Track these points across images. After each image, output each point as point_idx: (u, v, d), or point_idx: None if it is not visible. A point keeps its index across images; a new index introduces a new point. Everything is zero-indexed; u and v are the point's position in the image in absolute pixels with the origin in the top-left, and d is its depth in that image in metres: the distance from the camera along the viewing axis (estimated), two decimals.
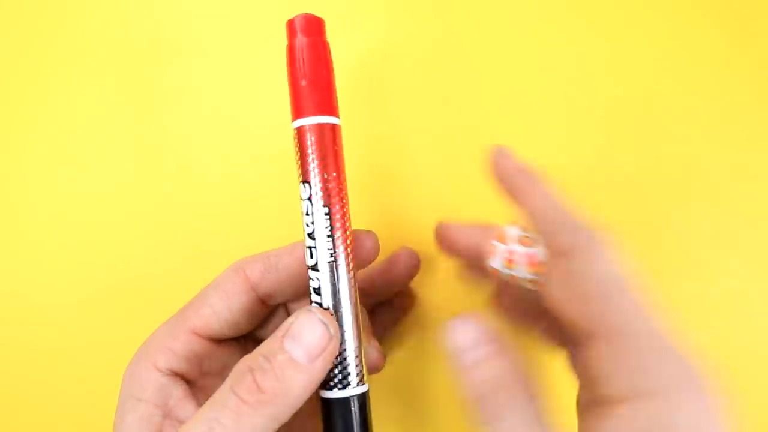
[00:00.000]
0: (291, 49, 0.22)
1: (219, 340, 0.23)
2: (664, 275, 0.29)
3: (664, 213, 0.29)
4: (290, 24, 0.22)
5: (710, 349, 0.27)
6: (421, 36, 0.30)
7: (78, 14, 0.32)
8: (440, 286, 0.29)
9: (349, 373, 0.21)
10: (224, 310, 0.22)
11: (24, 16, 0.33)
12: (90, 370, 0.31)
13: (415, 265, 0.27)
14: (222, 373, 0.23)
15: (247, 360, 0.19)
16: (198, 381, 0.22)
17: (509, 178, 0.22)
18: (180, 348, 0.21)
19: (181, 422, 0.21)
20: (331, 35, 0.22)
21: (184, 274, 0.29)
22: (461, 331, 0.19)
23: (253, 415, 0.18)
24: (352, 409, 0.21)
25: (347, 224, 0.21)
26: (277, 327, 0.25)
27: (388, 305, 0.28)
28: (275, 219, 0.30)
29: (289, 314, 0.25)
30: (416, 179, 0.30)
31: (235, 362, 0.24)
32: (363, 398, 0.21)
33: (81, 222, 0.31)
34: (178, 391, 0.21)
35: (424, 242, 0.28)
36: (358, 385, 0.21)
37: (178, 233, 0.31)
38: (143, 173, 0.31)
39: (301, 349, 0.19)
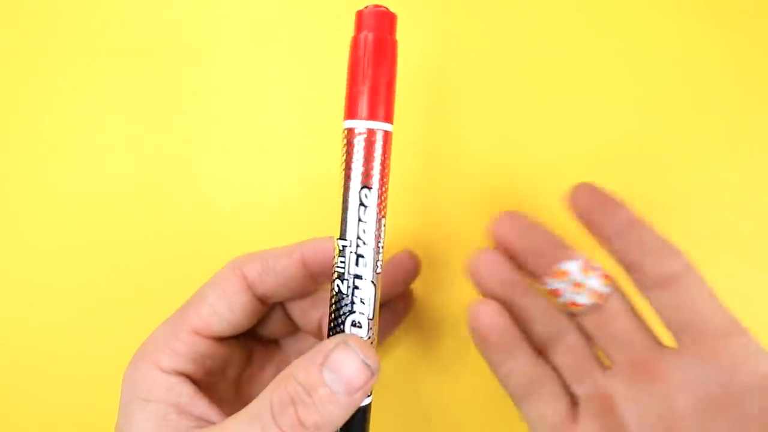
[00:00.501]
0: (379, 45, 0.20)
1: (220, 339, 0.23)
2: None
3: (663, 214, 0.29)
4: (361, 17, 0.20)
5: None
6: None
7: (78, 13, 0.30)
8: (441, 287, 0.30)
9: None
10: (224, 309, 0.22)
11: (24, 15, 0.31)
12: (90, 370, 0.30)
13: (415, 267, 0.27)
14: (224, 371, 0.24)
15: (287, 386, 0.19)
16: (202, 379, 0.22)
17: (590, 213, 0.23)
18: (182, 348, 0.22)
19: (197, 418, 0.21)
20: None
21: (185, 274, 0.28)
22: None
23: None
24: (355, 419, 0.20)
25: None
26: (276, 325, 0.25)
27: (387, 307, 0.27)
28: (277, 219, 0.30)
29: (286, 312, 0.25)
30: (425, 182, 0.30)
31: (236, 360, 0.24)
32: (365, 411, 0.21)
33: (80, 222, 0.30)
34: (187, 390, 0.21)
35: (428, 243, 0.28)
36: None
37: (178, 233, 0.30)
38: (143, 173, 0.30)
39: (341, 384, 0.19)
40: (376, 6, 0.20)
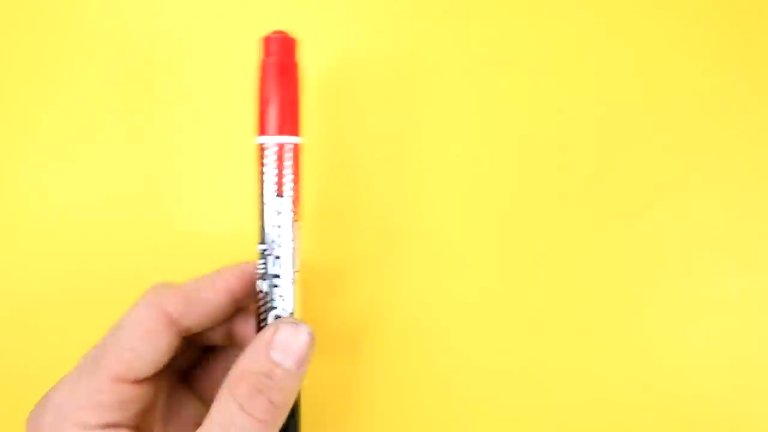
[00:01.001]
0: (282, 67, 0.22)
1: (143, 380, 0.22)
2: (662, 276, 0.30)
3: (662, 213, 0.30)
4: (265, 42, 0.22)
5: (708, 350, 0.30)
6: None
7: (79, 13, 0.31)
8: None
9: None
10: (148, 351, 0.21)
11: (24, 15, 0.31)
12: None
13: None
14: (150, 410, 0.23)
15: (248, 380, 0.20)
16: (132, 423, 0.21)
17: None
18: (107, 399, 0.20)
19: None
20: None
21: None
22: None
23: (271, 430, 0.20)
24: None
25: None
26: (190, 352, 0.25)
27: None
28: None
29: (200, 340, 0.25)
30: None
31: (159, 395, 0.24)
32: None
33: (80, 224, 0.30)
34: None
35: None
36: None
37: (176, 235, 0.30)
38: (142, 175, 0.31)
39: (291, 359, 0.21)
40: (279, 32, 0.23)
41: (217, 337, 0.26)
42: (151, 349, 0.21)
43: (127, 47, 0.31)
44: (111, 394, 0.20)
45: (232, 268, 0.24)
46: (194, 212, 0.31)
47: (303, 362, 0.21)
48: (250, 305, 0.25)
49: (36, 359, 0.30)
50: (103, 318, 0.29)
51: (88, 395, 0.20)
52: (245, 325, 0.25)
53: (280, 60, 0.22)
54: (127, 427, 0.21)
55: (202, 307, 0.23)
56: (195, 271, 0.24)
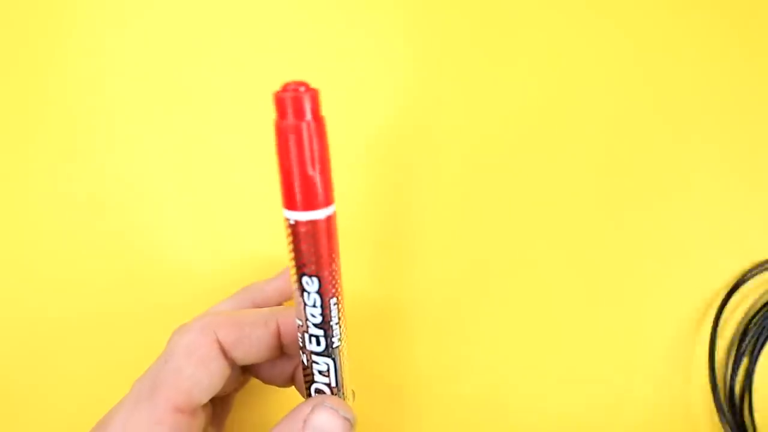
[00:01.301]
0: (296, 133, 0.18)
1: (195, 409, 0.21)
2: (662, 272, 0.30)
3: (661, 211, 0.30)
4: (281, 102, 0.18)
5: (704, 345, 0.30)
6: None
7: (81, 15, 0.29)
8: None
9: None
10: (204, 379, 0.21)
11: (26, 15, 0.30)
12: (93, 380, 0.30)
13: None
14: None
15: None
16: None
17: None
18: (168, 430, 0.20)
19: None
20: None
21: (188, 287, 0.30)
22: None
23: None
24: None
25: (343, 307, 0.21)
26: (233, 382, 0.25)
27: None
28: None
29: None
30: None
31: (205, 423, 0.23)
32: None
33: (82, 226, 0.30)
34: None
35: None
36: None
37: (178, 239, 0.30)
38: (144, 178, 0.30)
39: None
40: (295, 87, 0.18)
41: (274, 378, 0.26)
42: (206, 376, 0.21)
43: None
44: (169, 426, 0.20)
45: (286, 310, 0.24)
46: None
47: None
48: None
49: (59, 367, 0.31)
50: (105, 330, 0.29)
51: (148, 427, 0.20)
52: (292, 367, 0.25)
53: (302, 121, 0.19)
54: None
55: (252, 342, 0.23)
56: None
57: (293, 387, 0.26)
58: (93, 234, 0.30)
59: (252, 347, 0.23)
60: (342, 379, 0.22)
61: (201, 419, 0.22)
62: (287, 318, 0.23)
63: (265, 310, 0.24)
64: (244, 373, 0.25)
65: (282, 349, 0.24)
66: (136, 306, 0.30)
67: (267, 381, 0.26)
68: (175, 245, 0.30)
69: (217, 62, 0.29)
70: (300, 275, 0.20)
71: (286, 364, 0.25)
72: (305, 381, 0.22)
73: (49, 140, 0.30)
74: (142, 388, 0.21)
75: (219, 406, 0.26)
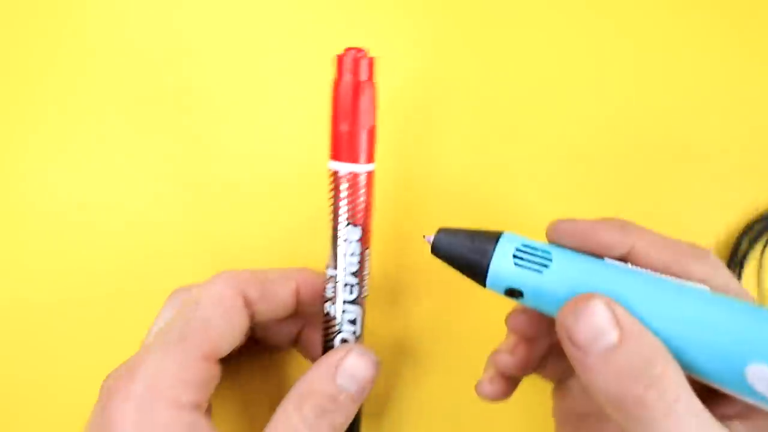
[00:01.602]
0: (359, 90, 0.21)
1: (217, 360, 0.22)
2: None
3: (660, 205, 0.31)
4: (341, 62, 0.21)
5: None
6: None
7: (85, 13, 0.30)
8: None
9: None
10: (228, 330, 0.22)
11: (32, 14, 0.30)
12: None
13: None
14: (214, 389, 0.22)
15: (314, 399, 0.21)
16: (207, 405, 0.21)
17: (590, 238, 0.21)
18: (197, 377, 0.20)
19: None
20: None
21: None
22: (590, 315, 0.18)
23: None
24: None
25: None
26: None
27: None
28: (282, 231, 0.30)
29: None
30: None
31: (219, 374, 0.22)
32: None
33: (84, 227, 0.30)
34: (203, 422, 0.20)
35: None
36: None
37: (181, 237, 0.30)
38: (147, 177, 0.30)
39: (356, 385, 0.22)
40: (357, 50, 0.21)
41: (280, 338, 0.26)
42: (231, 328, 0.22)
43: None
44: (198, 372, 0.20)
45: (305, 270, 0.25)
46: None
47: (366, 390, 0.22)
48: (311, 314, 0.25)
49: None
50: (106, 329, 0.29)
51: (178, 372, 0.20)
52: (308, 332, 0.26)
53: (357, 81, 0.21)
54: (204, 408, 0.21)
55: (274, 298, 0.23)
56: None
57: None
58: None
59: (272, 303, 0.23)
60: (363, 329, 0.24)
61: (219, 371, 0.22)
62: (306, 277, 0.25)
63: (285, 268, 0.25)
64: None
65: (296, 308, 0.25)
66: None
67: (272, 342, 0.26)
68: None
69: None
70: (346, 223, 0.22)
71: (293, 325, 0.26)
72: (328, 333, 0.23)
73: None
74: (172, 334, 0.21)
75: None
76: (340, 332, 0.23)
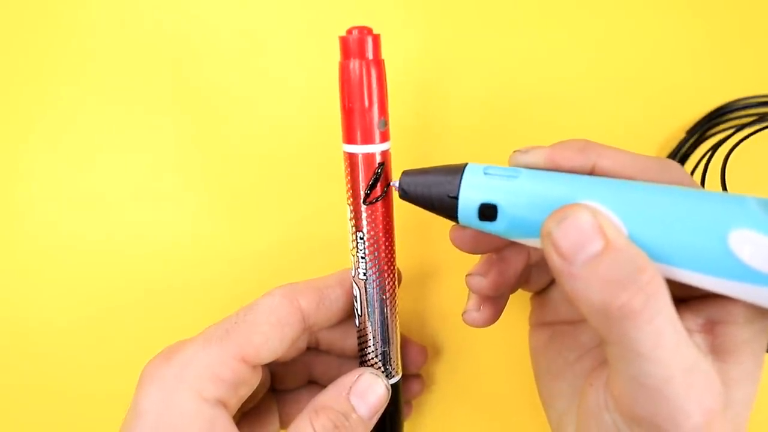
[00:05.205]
0: (367, 70, 0.21)
1: (256, 366, 0.22)
2: None
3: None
4: (346, 43, 0.20)
5: None
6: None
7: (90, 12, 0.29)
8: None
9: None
10: (276, 340, 0.22)
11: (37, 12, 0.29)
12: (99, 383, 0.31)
13: (423, 360, 0.28)
14: (246, 400, 0.23)
15: (328, 415, 0.21)
16: (230, 406, 0.21)
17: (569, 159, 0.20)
18: (229, 376, 0.21)
19: None
20: None
21: (197, 287, 0.30)
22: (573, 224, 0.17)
23: None
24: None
25: None
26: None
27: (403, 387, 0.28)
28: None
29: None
30: None
31: (259, 384, 0.23)
32: (395, 387, 0.25)
33: (87, 228, 0.30)
34: (223, 421, 0.20)
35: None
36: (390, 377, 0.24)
37: (187, 241, 0.30)
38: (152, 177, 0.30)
39: (366, 407, 0.22)
40: (360, 30, 0.20)
41: (337, 343, 0.27)
42: (279, 338, 0.22)
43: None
44: (231, 371, 0.21)
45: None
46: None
47: (375, 412, 0.23)
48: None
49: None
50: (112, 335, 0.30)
51: (211, 365, 0.20)
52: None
53: (364, 62, 0.21)
54: (230, 409, 0.21)
55: (331, 304, 0.23)
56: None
57: None
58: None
59: (330, 309, 0.23)
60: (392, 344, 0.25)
61: (258, 378, 0.22)
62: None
63: (335, 272, 0.24)
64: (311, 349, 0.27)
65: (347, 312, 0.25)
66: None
67: (338, 351, 0.27)
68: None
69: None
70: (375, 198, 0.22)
71: (352, 328, 0.26)
72: (360, 344, 0.24)
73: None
74: (218, 330, 0.22)
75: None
76: (367, 347, 0.24)
